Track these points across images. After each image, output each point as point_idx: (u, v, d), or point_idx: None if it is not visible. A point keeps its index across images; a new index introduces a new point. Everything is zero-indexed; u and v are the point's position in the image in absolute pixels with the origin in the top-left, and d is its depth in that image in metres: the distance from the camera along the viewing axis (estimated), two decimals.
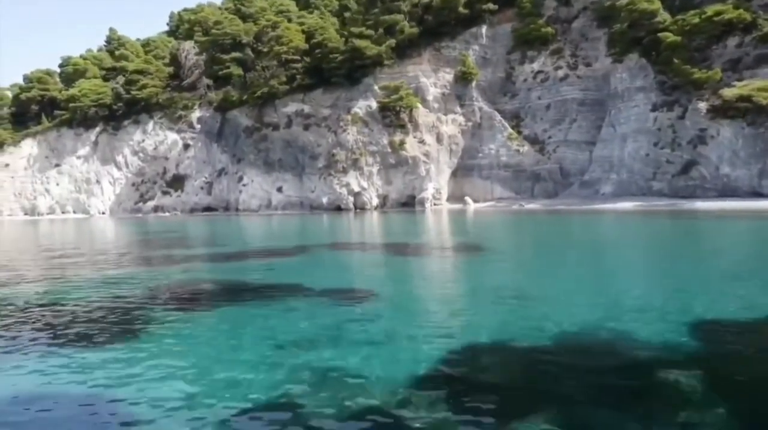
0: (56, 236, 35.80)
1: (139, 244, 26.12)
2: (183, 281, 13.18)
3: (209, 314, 9.65)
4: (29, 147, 73.59)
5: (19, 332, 8.45)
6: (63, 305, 10.39)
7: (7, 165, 72.45)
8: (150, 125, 72.46)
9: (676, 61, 45.80)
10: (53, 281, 13.67)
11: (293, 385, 5.93)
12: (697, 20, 45.90)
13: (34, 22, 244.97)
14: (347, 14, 68.80)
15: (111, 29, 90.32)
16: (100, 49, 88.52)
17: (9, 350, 7.52)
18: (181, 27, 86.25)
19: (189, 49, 72.18)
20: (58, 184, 72.65)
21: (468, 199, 56.32)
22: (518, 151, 56.84)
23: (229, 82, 71.16)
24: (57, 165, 73.08)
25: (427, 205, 57.22)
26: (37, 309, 10.08)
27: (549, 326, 7.84)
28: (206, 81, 72.47)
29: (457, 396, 5.48)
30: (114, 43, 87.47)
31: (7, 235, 38.67)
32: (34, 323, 9.02)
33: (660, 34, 47.69)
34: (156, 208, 69.78)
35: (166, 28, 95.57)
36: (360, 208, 58.83)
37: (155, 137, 72.16)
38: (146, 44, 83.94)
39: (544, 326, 7.88)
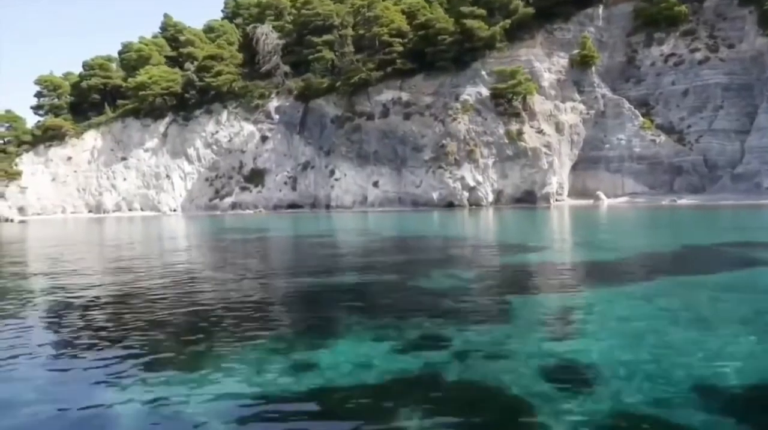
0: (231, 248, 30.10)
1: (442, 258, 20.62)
2: None
3: None
4: (92, 139, 68.12)
5: None
6: None
7: (69, 158, 66.97)
8: (224, 115, 67.10)
9: None
10: None
11: None
12: None
13: (69, 12, 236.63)
14: None
15: (166, 15, 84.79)
16: (155, 36, 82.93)
17: None
18: (244, 11, 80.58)
19: (267, 33, 66.69)
20: (125, 179, 67.19)
21: (601, 194, 51.04)
22: (654, 141, 51.58)
23: (308, 69, 65.88)
24: (123, 159, 67.63)
25: (552, 201, 51.97)
26: None
27: None
28: (284, 67, 67.16)
29: None
30: (171, 30, 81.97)
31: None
32: None
33: None
34: (234, 205, 64.35)
35: (220, 14, 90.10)
36: (474, 204, 53.52)
37: (230, 129, 66.82)
38: (209, 30, 78.39)
39: None
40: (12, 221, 57.98)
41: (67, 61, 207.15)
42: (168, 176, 66.79)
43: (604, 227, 26.86)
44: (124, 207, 67.05)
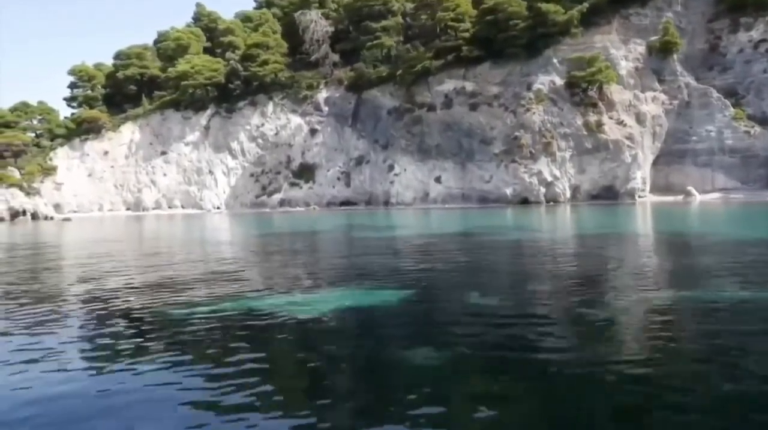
0: None
1: None
2: None
3: None
4: (130, 132, 64.39)
5: None
6: None
7: (106, 153, 63.26)
8: (269, 107, 63.41)
9: None
10: None
11: None
12: None
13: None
14: None
15: (198, 5, 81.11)
16: (188, 26, 79.14)
17: None
18: (281, 0, 76.69)
19: (316, 20, 62.95)
20: (165, 175, 63.46)
21: (692, 190, 47.41)
22: (748, 133, 47.98)
23: (358, 58, 62.11)
24: (163, 153, 63.90)
25: (636, 197, 48.41)
26: None
27: None
28: (333, 56, 63.47)
29: None
30: (204, 20, 78.29)
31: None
32: None
33: None
34: (282, 202, 60.66)
35: (253, 4, 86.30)
36: (551, 200, 49.87)
37: (276, 121, 63.14)
38: (245, 19, 74.67)
39: None
40: (51, 218, 54.23)
41: (89, 56, 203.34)
42: (210, 172, 63.09)
43: None
44: (164, 204, 63.32)
